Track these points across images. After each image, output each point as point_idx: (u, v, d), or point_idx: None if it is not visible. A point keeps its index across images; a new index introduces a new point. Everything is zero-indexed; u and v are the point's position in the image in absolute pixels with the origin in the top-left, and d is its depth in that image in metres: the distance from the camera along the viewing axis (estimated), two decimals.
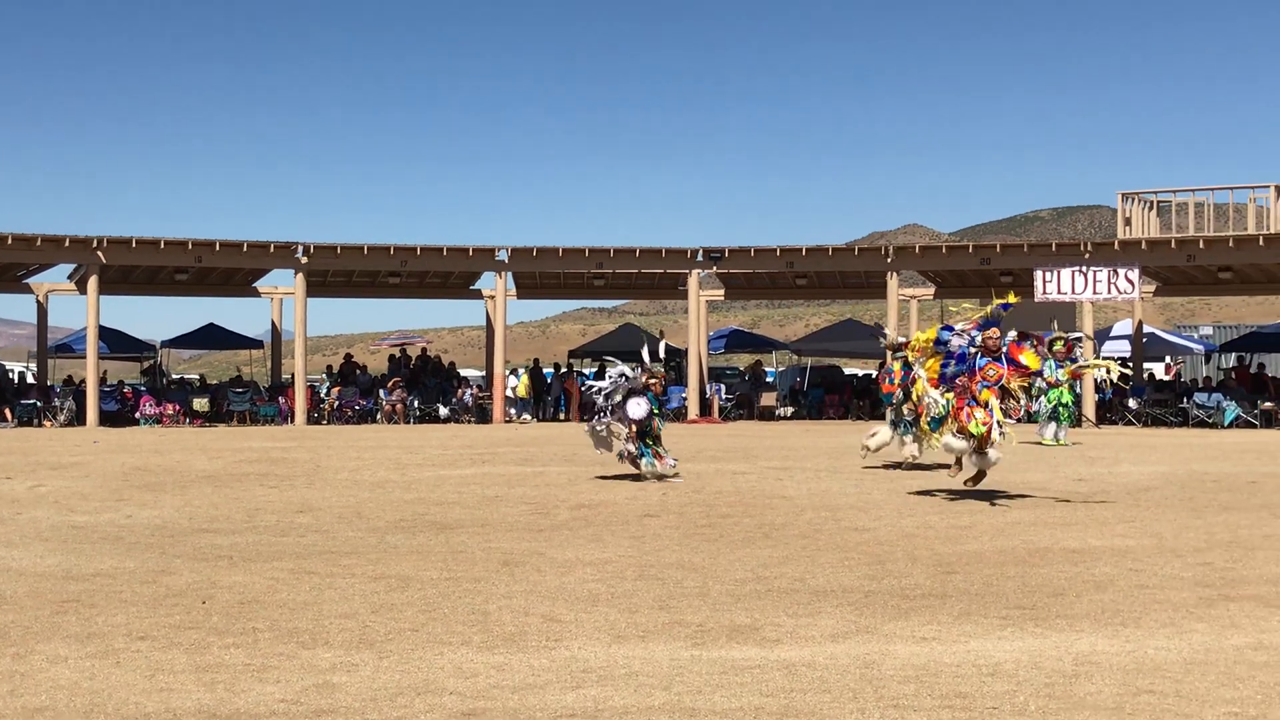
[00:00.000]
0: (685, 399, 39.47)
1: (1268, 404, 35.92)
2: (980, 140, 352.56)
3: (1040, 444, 26.22)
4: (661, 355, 19.57)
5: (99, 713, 6.21)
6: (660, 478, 17.52)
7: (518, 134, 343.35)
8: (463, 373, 46.44)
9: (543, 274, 42.94)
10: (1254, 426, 34.86)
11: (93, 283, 36.63)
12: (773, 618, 8.48)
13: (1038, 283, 36.36)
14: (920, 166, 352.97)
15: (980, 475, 15.47)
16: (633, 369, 18.14)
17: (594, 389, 18.94)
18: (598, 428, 18.14)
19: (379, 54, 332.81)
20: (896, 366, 19.79)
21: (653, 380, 17.90)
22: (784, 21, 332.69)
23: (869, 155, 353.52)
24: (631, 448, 17.68)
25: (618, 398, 17.77)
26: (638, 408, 17.50)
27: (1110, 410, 37.33)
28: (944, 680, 6.81)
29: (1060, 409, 27.19)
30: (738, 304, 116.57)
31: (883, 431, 20.14)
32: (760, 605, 8.92)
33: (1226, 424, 35.36)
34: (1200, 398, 36.68)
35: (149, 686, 6.68)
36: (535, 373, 42.72)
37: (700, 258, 40.43)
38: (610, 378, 18.32)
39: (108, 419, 36.66)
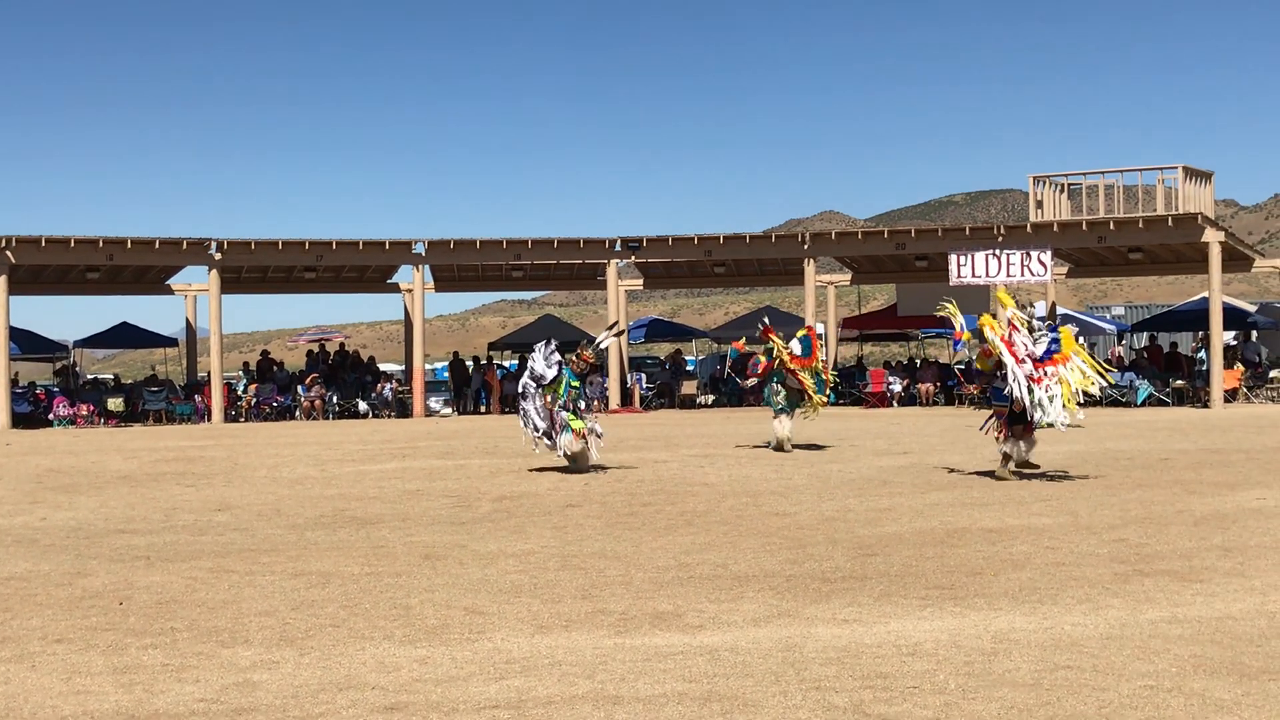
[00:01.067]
0: (606, 389, 39.47)
1: (1179, 382, 36.48)
2: (894, 127, 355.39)
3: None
4: (602, 345, 19.52)
5: (15, 717, 6.13)
6: (573, 459, 17.40)
7: (433, 126, 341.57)
8: (382, 367, 46.15)
9: (460, 266, 42.75)
10: (1166, 404, 35.39)
11: (1, 283, 35.99)
12: (695, 604, 8.51)
13: (952, 266, 36.67)
14: (836, 154, 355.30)
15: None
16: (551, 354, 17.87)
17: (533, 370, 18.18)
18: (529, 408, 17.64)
19: (289, 45, 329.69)
20: (764, 360, 21.34)
21: (586, 354, 17.81)
22: (699, 12, 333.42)
23: (785, 144, 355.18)
24: (541, 423, 17.39)
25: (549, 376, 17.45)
26: (547, 369, 17.33)
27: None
28: (865, 661, 6.87)
29: None
30: (657, 293, 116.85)
31: (781, 422, 20.96)
32: (683, 592, 8.95)
33: (1139, 402, 35.87)
34: (1113, 377, 37.14)
35: (66, 689, 6.60)
36: (455, 365, 42.56)
37: (618, 248, 40.41)
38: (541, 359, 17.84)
39: (20, 421, 36.09)
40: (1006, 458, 15.95)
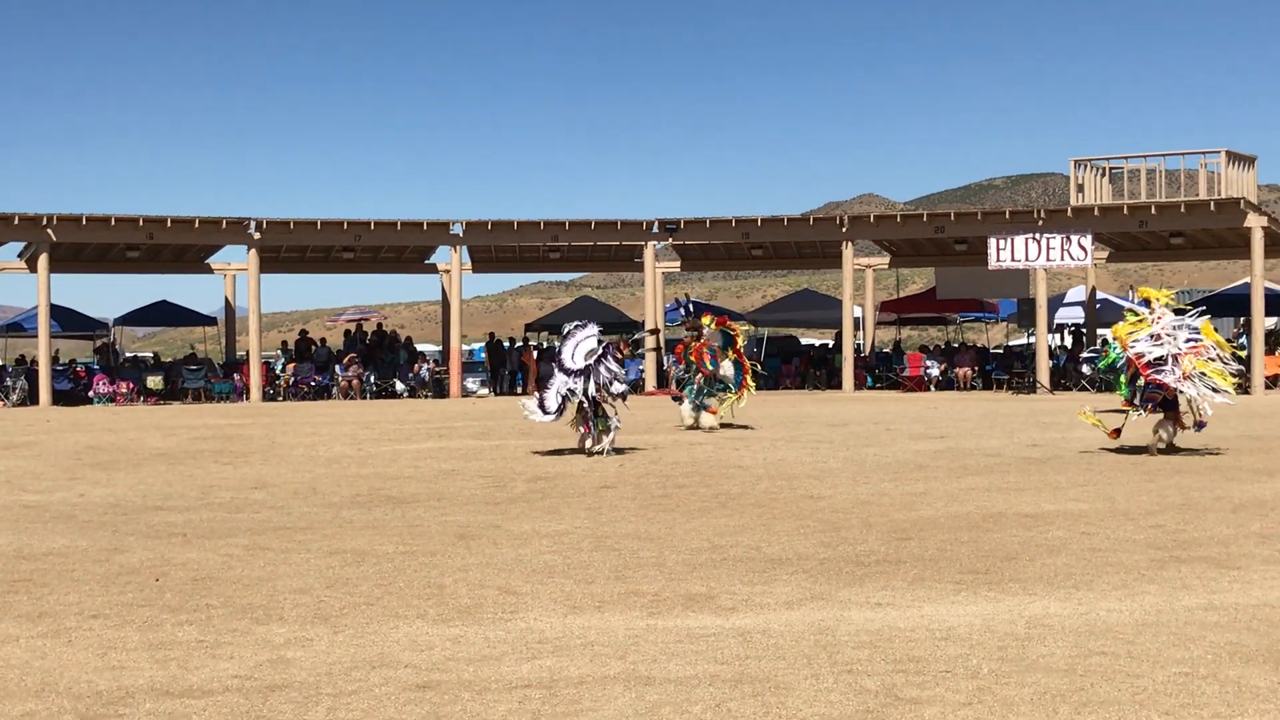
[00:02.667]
0: (643, 371, 39.46)
1: None
2: (935, 110, 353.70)
3: None
4: (639, 351, 19.89)
5: (51, 691, 6.17)
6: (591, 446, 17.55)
7: (472, 107, 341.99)
8: (419, 347, 46.29)
9: (498, 248, 42.80)
10: None
11: (43, 261, 36.27)
12: (728, 586, 8.50)
13: (991, 250, 36.50)
14: (875, 136, 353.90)
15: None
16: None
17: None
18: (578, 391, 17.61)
19: (331, 28, 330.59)
20: (706, 350, 21.87)
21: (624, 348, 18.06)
22: None
23: (824, 126, 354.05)
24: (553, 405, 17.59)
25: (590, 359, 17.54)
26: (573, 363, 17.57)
27: (1064, 376, 37.56)
28: (898, 645, 6.85)
29: None
30: (694, 275, 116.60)
31: (685, 408, 22.11)
32: (716, 574, 8.94)
33: None
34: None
35: (101, 665, 6.64)
36: (493, 346, 42.64)
37: (656, 229, 40.39)
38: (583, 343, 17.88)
39: (61, 398, 36.36)
40: (1160, 438, 16.89)
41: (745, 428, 22.29)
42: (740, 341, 22.66)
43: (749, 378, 22.68)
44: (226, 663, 6.66)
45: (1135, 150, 37.69)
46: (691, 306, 22.97)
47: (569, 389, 17.44)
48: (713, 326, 22.49)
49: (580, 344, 17.66)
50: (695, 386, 21.98)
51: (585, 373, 17.42)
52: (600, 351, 17.52)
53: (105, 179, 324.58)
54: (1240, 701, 5.80)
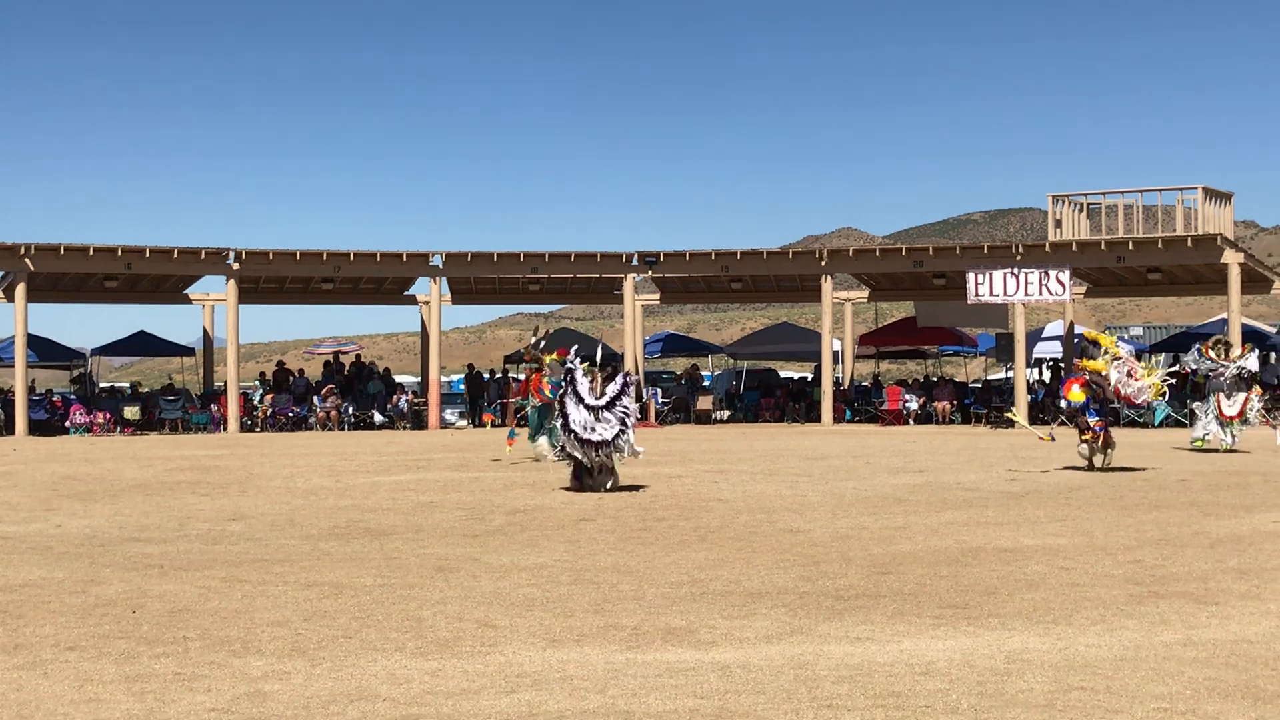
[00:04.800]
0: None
1: (1197, 404, 36.32)
2: (914, 144, 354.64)
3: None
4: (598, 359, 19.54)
5: None
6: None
7: (453, 138, 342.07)
8: (398, 379, 46.22)
9: (478, 279, 42.82)
10: (1184, 425, 35.27)
11: (20, 290, 36.15)
12: (708, 620, 8.49)
13: (970, 285, 36.64)
14: (854, 170, 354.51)
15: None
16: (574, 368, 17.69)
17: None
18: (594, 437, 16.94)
19: (312, 59, 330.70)
20: (546, 381, 21.27)
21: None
22: (719, 26, 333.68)
23: (803, 160, 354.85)
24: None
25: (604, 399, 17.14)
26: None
27: (1043, 410, 37.66)
28: (877, 680, 6.85)
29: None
30: (674, 308, 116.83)
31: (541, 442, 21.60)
32: (695, 608, 8.93)
33: (1157, 423, 35.77)
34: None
35: (78, 697, 6.60)
36: (472, 378, 42.60)
37: (636, 262, 40.46)
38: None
39: (37, 428, 36.21)
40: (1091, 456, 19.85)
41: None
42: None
43: None
44: (203, 695, 6.63)
45: (1113, 186, 37.95)
46: (542, 339, 22.79)
47: (589, 431, 16.92)
48: (555, 356, 22.48)
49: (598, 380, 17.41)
50: (541, 418, 21.63)
51: (608, 412, 16.97)
52: (618, 392, 17.11)
53: (84, 209, 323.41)
54: None
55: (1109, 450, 19.89)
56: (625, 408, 16.93)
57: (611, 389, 17.00)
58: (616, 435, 16.77)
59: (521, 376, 22.10)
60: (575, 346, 19.06)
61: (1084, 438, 19.93)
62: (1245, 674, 6.93)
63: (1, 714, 6.29)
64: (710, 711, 6.27)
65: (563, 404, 16.91)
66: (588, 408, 16.73)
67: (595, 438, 16.65)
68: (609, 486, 17.00)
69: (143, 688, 6.79)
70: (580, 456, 16.83)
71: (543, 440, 21.73)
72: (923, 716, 6.15)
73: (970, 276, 36.66)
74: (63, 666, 7.27)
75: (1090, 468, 19.74)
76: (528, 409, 22.34)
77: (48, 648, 7.75)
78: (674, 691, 6.64)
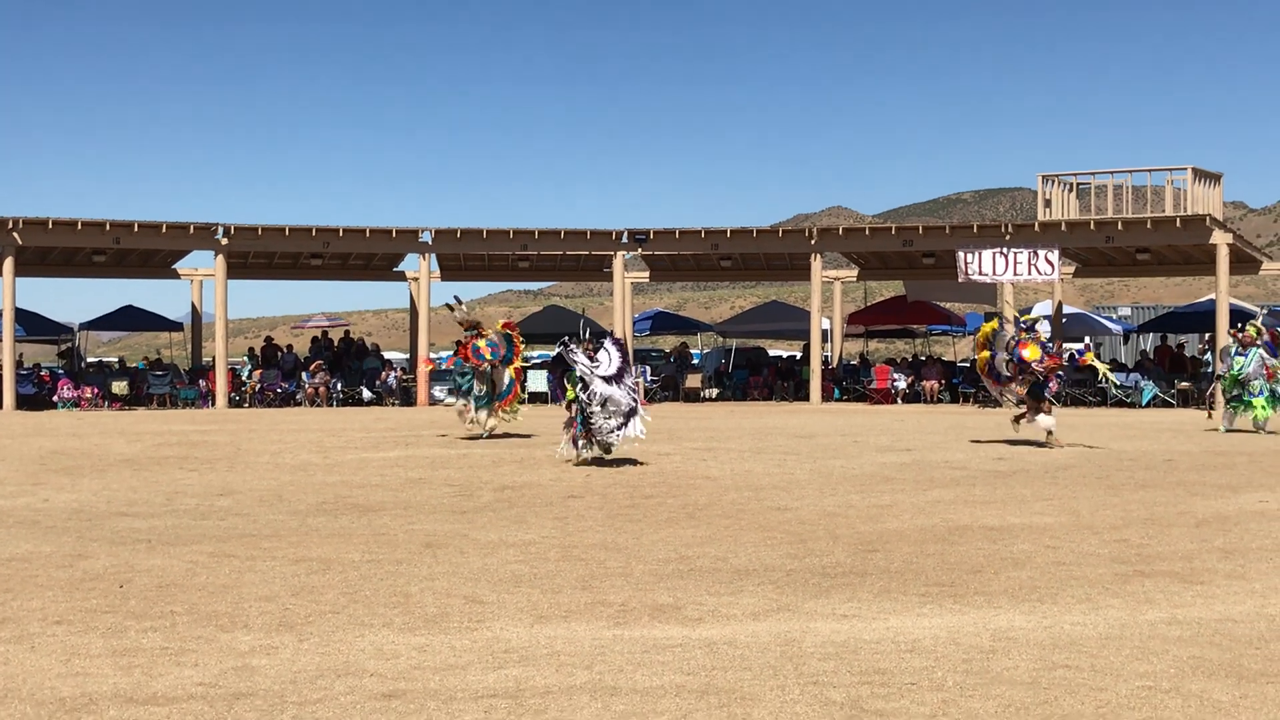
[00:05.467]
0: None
1: (1184, 383, 36.47)
2: (904, 123, 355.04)
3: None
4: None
5: (14, 698, 6.13)
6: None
7: (442, 115, 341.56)
8: (386, 355, 46.15)
9: (467, 256, 42.76)
10: (1171, 406, 35.38)
11: (8, 264, 36.05)
12: (695, 597, 8.51)
13: (959, 264, 36.66)
14: (844, 150, 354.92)
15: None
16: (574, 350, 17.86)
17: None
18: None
19: (302, 34, 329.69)
20: (483, 343, 22.00)
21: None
22: (709, 3, 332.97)
23: (794, 138, 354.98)
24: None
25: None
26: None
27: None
28: (863, 657, 6.87)
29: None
30: (663, 286, 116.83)
31: (469, 408, 22.34)
32: (682, 585, 8.95)
33: (1144, 403, 35.88)
34: (1118, 377, 37.15)
35: (65, 671, 6.61)
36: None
37: (625, 240, 40.41)
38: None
39: (25, 402, 36.14)
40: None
41: (527, 436, 22.71)
42: (520, 351, 22.58)
43: (519, 388, 22.64)
44: (191, 670, 6.64)
45: (1103, 166, 37.94)
46: (464, 306, 22.86)
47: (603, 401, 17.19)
48: (498, 327, 22.58)
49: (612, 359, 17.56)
50: (475, 385, 22.08)
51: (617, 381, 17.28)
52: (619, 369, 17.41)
53: (72, 183, 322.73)
54: (1203, 715, 5.84)
55: (1036, 419, 20.63)
56: (632, 386, 17.35)
57: (614, 357, 17.35)
58: (622, 426, 17.31)
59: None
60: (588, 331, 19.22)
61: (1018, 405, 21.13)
62: (1230, 653, 6.96)
63: None
64: (696, 687, 6.29)
65: (585, 384, 17.09)
66: (604, 379, 17.19)
67: (608, 427, 17.26)
68: (607, 455, 17.68)
69: (130, 661, 6.79)
70: (598, 433, 17.39)
71: (468, 402, 22.21)
72: (908, 693, 6.17)
73: (960, 255, 36.68)
74: (50, 640, 7.27)
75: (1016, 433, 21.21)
76: (461, 376, 22.57)
77: (35, 621, 7.75)
78: (661, 668, 6.65)
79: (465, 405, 22.38)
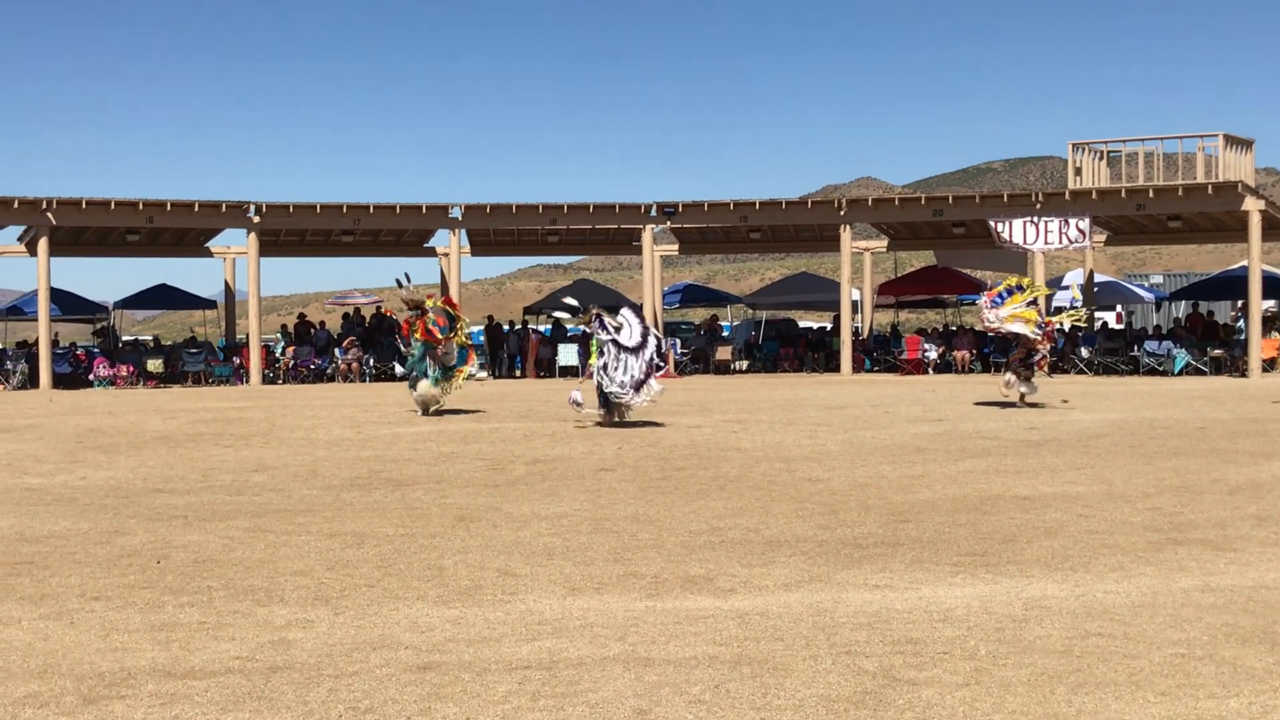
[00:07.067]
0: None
1: (1217, 351, 36.25)
2: (933, 93, 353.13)
3: None
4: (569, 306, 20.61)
5: (53, 673, 6.21)
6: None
7: (471, 91, 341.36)
8: None
9: (497, 231, 42.77)
10: (1203, 374, 35.19)
11: (43, 244, 36.22)
12: (727, 568, 8.54)
13: (993, 232, 36.51)
14: (873, 120, 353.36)
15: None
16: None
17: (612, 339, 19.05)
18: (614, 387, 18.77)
19: (331, 12, 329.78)
20: (430, 322, 21.73)
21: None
22: None
23: (823, 109, 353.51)
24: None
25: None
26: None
27: (1062, 359, 37.59)
28: (896, 626, 6.89)
29: None
30: (693, 259, 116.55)
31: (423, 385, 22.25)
32: (714, 556, 8.98)
33: (1176, 371, 35.69)
34: (1151, 345, 36.97)
35: (104, 646, 6.68)
36: (491, 330, 42.64)
37: (654, 213, 40.34)
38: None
39: (61, 381, 36.35)
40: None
41: (478, 411, 23.00)
42: (463, 326, 22.57)
43: (472, 357, 22.75)
44: (228, 644, 6.71)
45: (1133, 133, 37.63)
46: (408, 280, 22.76)
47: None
48: (438, 303, 22.53)
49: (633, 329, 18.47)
50: (427, 362, 22.02)
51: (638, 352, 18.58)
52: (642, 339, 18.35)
53: (105, 163, 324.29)
54: (1235, 682, 5.85)
55: (1023, 384, 22.45)
56: (650, 359, 18.17)
57: (634, 328, 18.16)
58: (635, 389, 18.75)
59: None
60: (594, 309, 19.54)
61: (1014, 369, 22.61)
62: (1263, 620, 6.96)
63: (29, 662, 6.38)
64: (729, 658, 6.32)
65: (603, 351, 18.72)
66: (623, 349, 18.65)
67: (624, 395, 18.82)
68: (621, 419, 19.15)
69: (168, 636, 6.87)
70: (614, 398, 18.87)
71: (424, 383, 22.16)
72: (941, 662, 6.19)
73: (991, 225, 36.52)
74: (89, 616, 7.35)
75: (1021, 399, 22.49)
76: (412, 354, 22.47)
77: (74, 598, 7.83)
78: (693, 639, 6.69)
79: (435, 390, 22.30)
